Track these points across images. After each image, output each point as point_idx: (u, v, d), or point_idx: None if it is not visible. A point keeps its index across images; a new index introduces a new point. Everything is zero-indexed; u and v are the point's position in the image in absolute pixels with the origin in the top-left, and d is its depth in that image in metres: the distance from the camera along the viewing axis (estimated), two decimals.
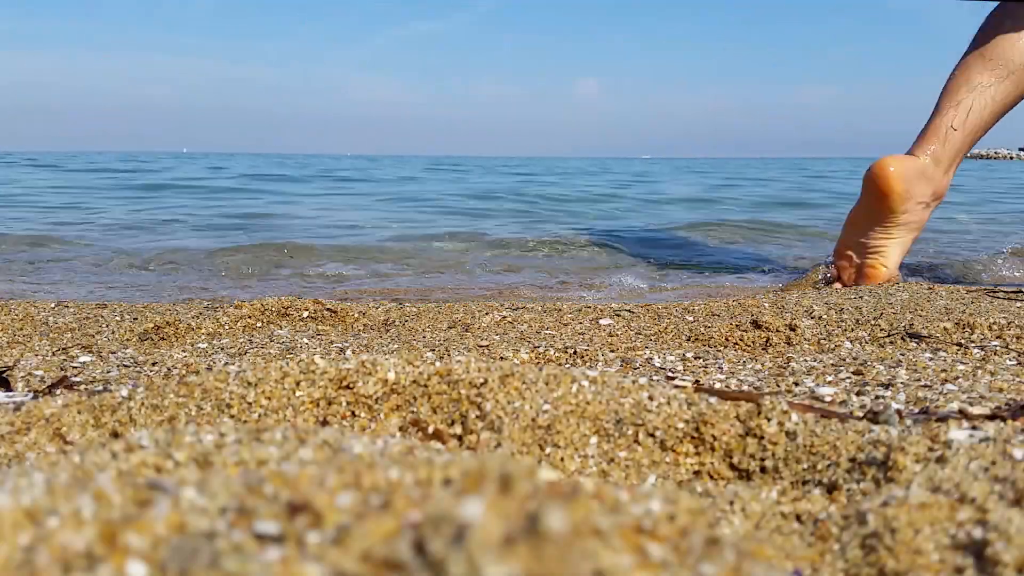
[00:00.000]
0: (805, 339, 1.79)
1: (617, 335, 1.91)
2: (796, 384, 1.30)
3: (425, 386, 0.95)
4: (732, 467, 0.89)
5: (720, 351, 1.70)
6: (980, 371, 1.38)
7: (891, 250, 2.54)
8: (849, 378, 1.34)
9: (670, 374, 1.41)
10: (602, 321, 2.10)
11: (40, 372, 1.44)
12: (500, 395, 0.92)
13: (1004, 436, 0.82)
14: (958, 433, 0.84)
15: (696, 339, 1.84)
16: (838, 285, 2.74)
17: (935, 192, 2.46)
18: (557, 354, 1.60)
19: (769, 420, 0.90)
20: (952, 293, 2.47)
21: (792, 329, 1.84)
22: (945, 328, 1.78)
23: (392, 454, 0.62)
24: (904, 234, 2.50)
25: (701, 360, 1.57)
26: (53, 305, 2.34)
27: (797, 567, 0.68)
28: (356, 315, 2.17)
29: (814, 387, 1.27)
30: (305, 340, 1.80)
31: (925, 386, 1.25)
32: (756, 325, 1.87)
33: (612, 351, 1.65)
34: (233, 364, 1.44)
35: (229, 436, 0.65)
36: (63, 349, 1.74)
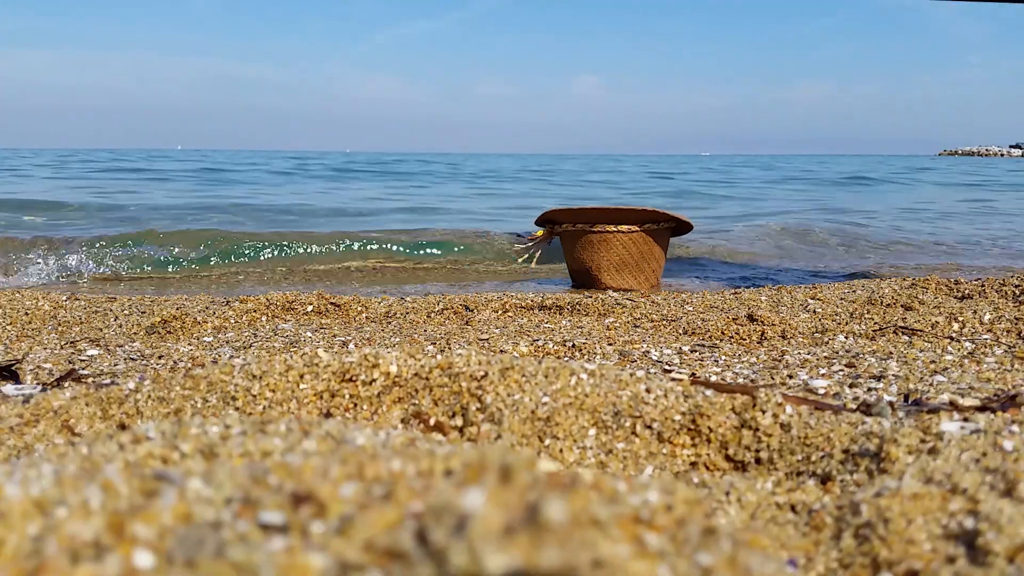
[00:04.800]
0: (800, 332, 1.80)
1: (615, 328, 1.92)
2: (790, 377, 1.31)
3: (426, 379, 0.96)
4: (728, 458, 0.89)
5: (717, 344, 1.70)
6: (968, 361, 1.40)
7: None
8: (842, 370, 1.35)
9: (667, 367, 1.42)
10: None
11: (49, 365, 1.45)
12: (500, 388, 0.93)
13: (995, 428, 0.83)
14: (949, 425, 0.85)
15: (693, 332, 1.85)
16: None
17: None
18: (556, 347, 1.61)
19: (764, 412, 0.91)
20: (941, 288, 2.48)
21: (787, 323, 1.85)
22: (936, 322, 1.79)
23: (394, 445, 0.63)
24: None
25: (697, 353, 1.58)
26: (64, 299, 2.35)
27: (792, 556, 0.69)
28: (358, 308, 2.17)
29: (808, 380, 1.28)
30: (308, 334, 1.81)
31: (916, 378, 1.26)
32: (752, 319, 1.88)
33: (610, 344, 1.66)
34: (238, 357, 1.45)
35: (234, 428, 0.66)
36: (71, 342, 1.75)
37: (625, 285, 3.70)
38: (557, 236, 3.92)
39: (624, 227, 3.62)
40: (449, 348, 1.60)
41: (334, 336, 1.80)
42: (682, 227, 3.84)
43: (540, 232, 3.97)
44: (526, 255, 4.02)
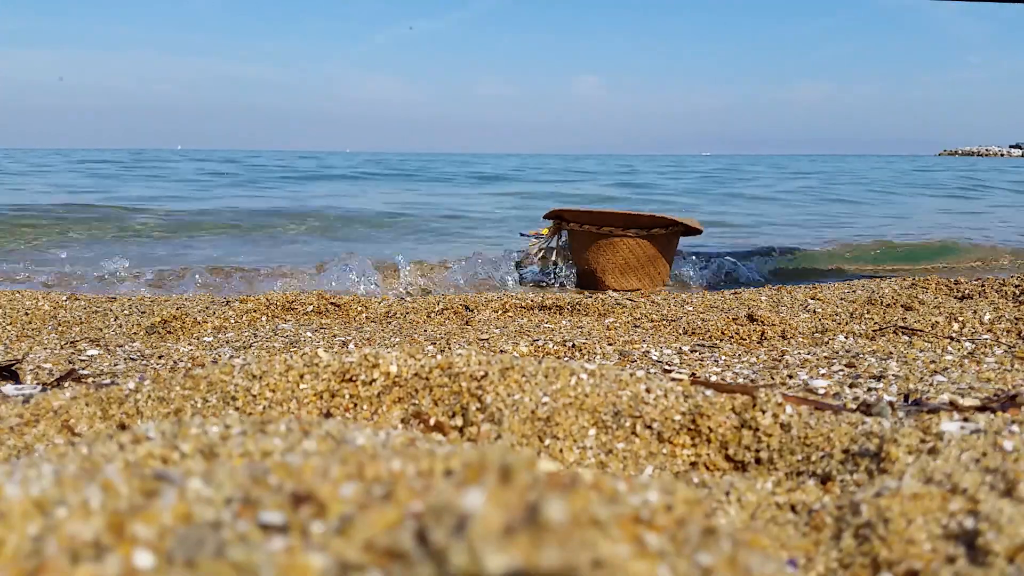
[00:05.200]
0: (800, 332, 1.80)
1: (615, 328, 1.92)
2: (790, 377, 1.31)
3: (426, 379, 0.96)
4: (728, 458, 0.90)
5: (717, 344, 1.71)
6: (968, 361, 1.40)
7: None
8: (842, 370, 1.36)
9: (667, 367, 1.42)
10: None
11: (49, 365, 1.45)
12: (500, 388, 0.93)
13: (995, 428, 0.83)
14: (949, 425, 0.85)
15: (693, 332, 1.85)
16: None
17: None
18: (556, 347, 1.61)
19: (764, 412, 0.91)
20: (940, 288, 2.48)
21: (787, 323, 1.85)
22: (936, 322, 1.80)
23: (394, 445, 0.63)
24: None
25: (697, 353, 1.58)
26: (64, 299, 2.35)
27: (792, 556, 0.69)
28: (358, 308, 2.18)
29: (808, 380, 1.28)
30: (308, 334, 1.81)
31: (916, 378, 1.26)
32: (752, 319, 1.88)
33: (610, 344, 1.66)
34: (238, 357, 1.45)
35: (234, 428, 0.66)
36: (71, 342, 1.76)
37: (629, 288, 3.70)
38: (565, 231, 3.91)
39: (631, 231, 3.62)
40: (449, 348, 1.60)
41: (334, 336, 1.81)
42: (690, 231, 3.85)
43: (545, 229, 3.96)
44: (539, 252, 3.96)
